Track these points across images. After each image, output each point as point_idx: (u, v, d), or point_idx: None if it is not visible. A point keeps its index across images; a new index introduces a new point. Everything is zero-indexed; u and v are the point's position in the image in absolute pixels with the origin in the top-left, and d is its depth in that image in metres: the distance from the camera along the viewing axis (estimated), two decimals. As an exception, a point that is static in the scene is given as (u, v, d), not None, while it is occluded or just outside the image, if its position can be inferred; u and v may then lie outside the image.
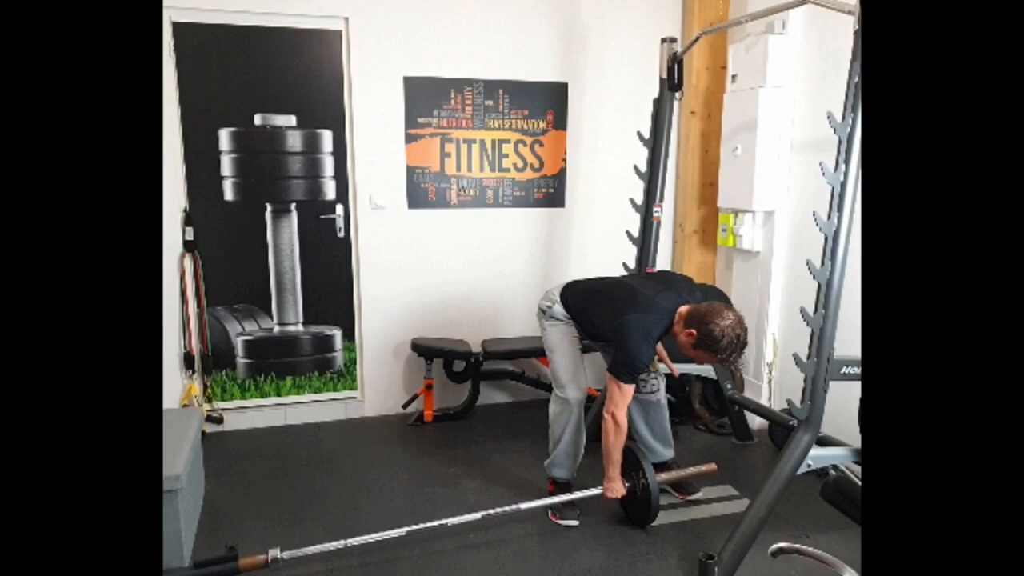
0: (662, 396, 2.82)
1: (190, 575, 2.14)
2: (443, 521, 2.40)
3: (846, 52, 2.21)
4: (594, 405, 3.24)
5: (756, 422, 3.46)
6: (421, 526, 2.37)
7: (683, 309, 2.39)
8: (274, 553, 2.17)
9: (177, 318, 3.41)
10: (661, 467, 2.83)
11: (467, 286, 3.83)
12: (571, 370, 2.63)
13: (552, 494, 2.69)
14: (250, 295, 3.56)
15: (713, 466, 2.71)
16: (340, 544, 2.26)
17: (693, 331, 2.31)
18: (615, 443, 2.46)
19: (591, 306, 2.59)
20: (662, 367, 2.87)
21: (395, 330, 3.74)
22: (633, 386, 2.45)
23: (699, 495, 2.81)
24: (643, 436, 2.82)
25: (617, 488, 2.53)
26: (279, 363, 3.65)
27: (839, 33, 2.84)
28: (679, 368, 3.26)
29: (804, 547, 1.58)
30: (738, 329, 2.28)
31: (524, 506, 2.53)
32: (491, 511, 2.46)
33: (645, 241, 3.25)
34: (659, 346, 2.69)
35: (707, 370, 3.28)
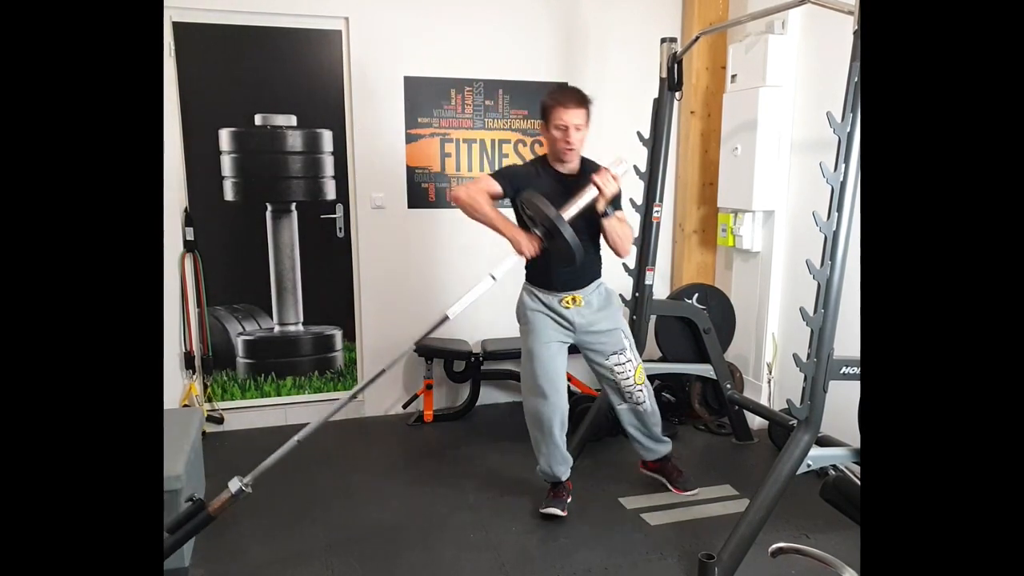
0: (648, 406, 2.70)
1: (169, 542, 2.07)
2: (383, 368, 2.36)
3: (846, 52, 2.21)
4: (595, 402, 3.23)
5: (756, 422, 3.46)
6: (354, 390, 2.28)
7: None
8: (236, 485, 2.09)
9: (177, 318, 3.41)
10: (659, 461, 2.85)
11: (467, 286, 3.81)
12: (532, 373, 2.58)
13: (559, 492, 2.71)
14: (250, 295, 3.56)
15: (621, 160, 2.42)
16: (293, 443, 2.19)
17: (541, 122, 2.45)
18: (483, 209, 2.37)
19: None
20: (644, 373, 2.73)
21: (395, 330, 3.74)
22: (491, 179, 2.45)
23: (696, 492, 2.82)
24: (638, 439, 2.78)
25: (525, 243, 2.33)
26: (279, 363, 3.65)
27: (839, 33, 2.83)
28: (677, 368, 3.25)
29: (804, 547, 1.58)
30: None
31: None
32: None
33: (645, 241, 3.25)
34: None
35: (707, 370, 3.28)
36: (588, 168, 2.48)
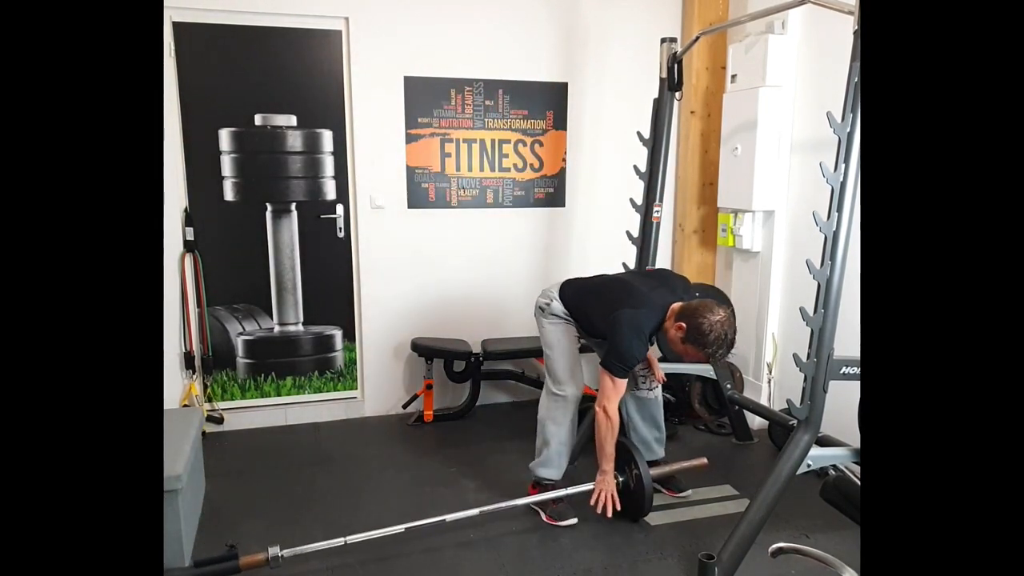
0: (659, 393, 2.84)
1: (191, 574, 2.14)
2: (441, 517, 2.40)
3: (846, 52, 2.21)
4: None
5: (756, 422, 3.46)
6: (419, 523, 2.37)
7: (675, 305, 2.44)
8: (274, 551, 2.17)
9: (177, 318, 3.41)
10: (652, 464, 2.85)
11: (467, 286, 3.83)
12: (569, 367, 2.63)
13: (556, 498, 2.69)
14: (250, 295, 3.56)
15: (704, 460, 2.74)
16: (339, 542, 2.26)
17: (682, 324, 2.34)
18: (607, 436, 2.47)
19: (588, 302, 2.61)
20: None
21: (395, 330, 3.74)
22: (625, 380, 2.46)
23: (688, 493, 2.83)
24: (639, 432, 2.84)
25: (609, 482, 2.53)
26: (279, 363, 3.65)
27: (839, 33, 2.84)
28: (677, 368, 3.26)
29: (804, 547, 1.58)
30: (726, 326, 2.31)
31: (521, 501, 2.55)
32: (488, 507, 2.47)
33: (645, 241, 3.25)
34: (649, 354, 2.69)
35: (707, 370, 3.28)
36: None
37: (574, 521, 2.60)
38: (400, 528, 2.34)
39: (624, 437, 2.67)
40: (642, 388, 2.80)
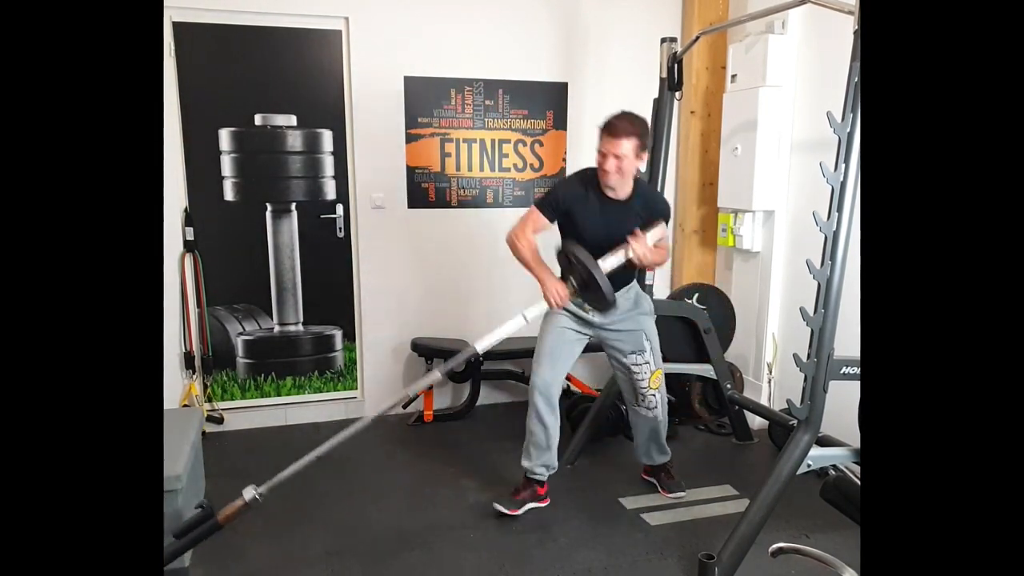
0: (659, 413, 2.73)
1: (175, 547, 2.03)
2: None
3: (846, 52, 2.21)
4: (595, 402, 3.23)
5: (756, 422, 3.46)
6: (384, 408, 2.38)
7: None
8: (250, 492, 2.08)
9: (177, 318, 3.41)
10: (656, 469, 2.86)
11: (467, 286, 3.83)
12: (543, 354, 2.58)
13: (518, 488, 2.68)
14: (250, 295, 3.56)
15: (663, 235, 2.54)
16: (311, 457, 2.20)
17: (633, 144, 2.33)
18: (524, 255, 2.45)
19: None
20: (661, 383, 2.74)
21: (395, 330, 3.74)
22: (540, 216, 2.45)
23: (683, 495, 2.81)
24: (641, 440, 2.81)
25: (557, 290, 2.38)
26: (279, 363, 3.65)
27: (839, 33, 2.83)
28: (677, 368, 3.24)
29: (804, 547, 1.58)
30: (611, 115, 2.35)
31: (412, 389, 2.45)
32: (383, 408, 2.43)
33: (645, 241, 3.24)
34: (636, 232, 2.41)
35: (707, 370, 3.28)
36: (641, 195, 2.49)
37: (502, 509, 2.58)
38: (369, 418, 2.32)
39: (572, 247, 2.42)
40: (641, 405, 2.71)
